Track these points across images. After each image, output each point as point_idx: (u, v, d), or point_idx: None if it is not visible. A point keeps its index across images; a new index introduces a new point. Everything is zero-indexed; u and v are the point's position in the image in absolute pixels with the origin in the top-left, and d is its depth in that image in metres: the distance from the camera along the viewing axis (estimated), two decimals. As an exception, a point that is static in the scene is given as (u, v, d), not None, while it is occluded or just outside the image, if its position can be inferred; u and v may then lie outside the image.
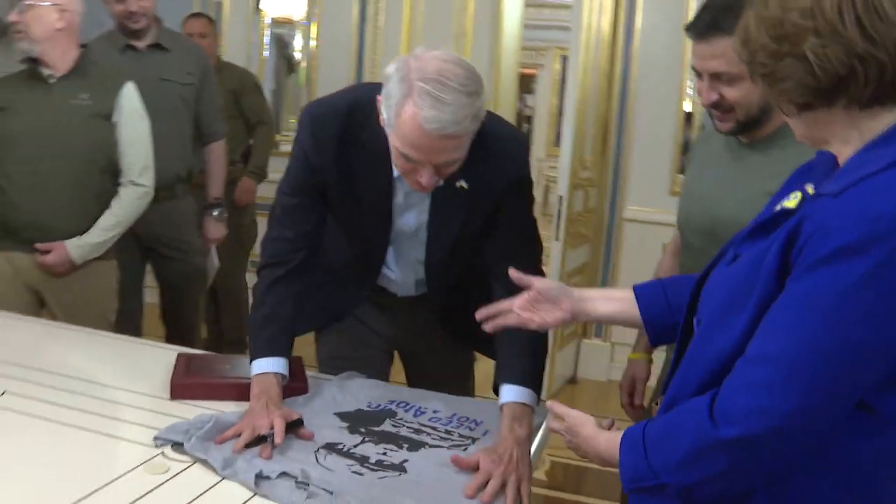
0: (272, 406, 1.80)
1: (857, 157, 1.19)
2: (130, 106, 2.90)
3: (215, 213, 3.83)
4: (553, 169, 10.32)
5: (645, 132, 4.80)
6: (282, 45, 5.60)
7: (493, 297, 1.94)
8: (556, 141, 11.31)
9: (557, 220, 4.14)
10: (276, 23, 5.55)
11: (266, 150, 4.60)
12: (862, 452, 1.19)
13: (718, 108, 1.87)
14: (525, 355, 1.90)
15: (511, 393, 1.85)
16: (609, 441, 1.38)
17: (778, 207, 1.27)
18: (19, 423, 1.78)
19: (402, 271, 2.13)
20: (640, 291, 1.65)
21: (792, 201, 1.25)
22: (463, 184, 1.92)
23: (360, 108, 1.91)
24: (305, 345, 2.21)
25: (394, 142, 1.76)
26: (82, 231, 2.84)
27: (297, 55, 5.56)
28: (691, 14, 3.85)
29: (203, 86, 3.66)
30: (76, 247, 2.82)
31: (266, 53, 5.58)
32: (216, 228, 3.86)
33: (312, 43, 5.45)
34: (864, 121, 1.19)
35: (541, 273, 2.04)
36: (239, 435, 1.72)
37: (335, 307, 2.25)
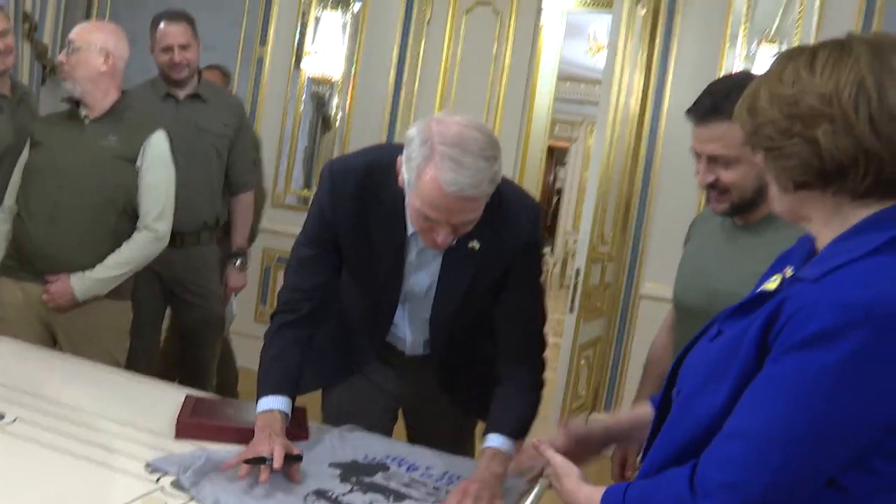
0: (274, 436, 1.87)
1: (836, 244, 1.23)
2: (156, 153, 2.96)
3: (238, 262, 3.90)
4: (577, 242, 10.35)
5: (666, 211, 4.84)
6: (319, 103, 5.73)
7: (495, 359, 2.06)
8: (584, 214, 11.37)
9: (573, 292, 4.17)
10: (315, 81, 5.69)
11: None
12: None
13: (714, 189, 1.93)
14: (514, 412, 2.01)
15: (494, 440, 1.96)
16: (589, 498, 1.42)
17: (760, 289, 1.32)
18: (24, 450, 1.83)
19: (410, 330, 2.18)
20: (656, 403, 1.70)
21: (772, 283, 1.30)
22: (475, 244, 1.99)
23: (380, 168, 1.98)
24: (312, 398, 2.24)
25: (413, 201, 1.83)
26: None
27: (333, 113, 5.68)
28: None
29: (237, 137, 3.78)
30: (79, 280, 2.87)
31: (303, 108, 5.71)
32: (238, 277, 3.93)
33: (348, 103, 5.58)
34: (850, 209, 1.23)
35: (543, 340, 2.11)
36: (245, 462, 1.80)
37: (345, 363, 2.29)
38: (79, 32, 2.94)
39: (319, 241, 2.08)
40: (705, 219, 2.19)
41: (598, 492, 1.39)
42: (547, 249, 12.18)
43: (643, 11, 4.70)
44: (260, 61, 5.71)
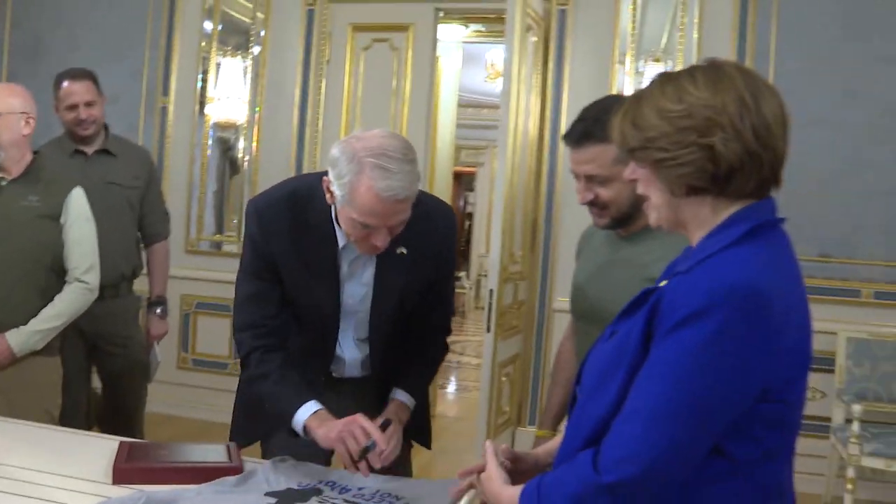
0: (350, 422, 2.02)
1: (705, 240, 1.41)
2: (78, 209, 2.99)
3: (158, 310, 3.95)
4: (492, 263, 10.48)
5: (572, 226, 4.92)
6: (225, 147, 5.77)
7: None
8: (496, 236, 11.53)
9: (489, 312, 4.28)
10: (220, 126, 5.74)
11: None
12: (721, 497, 1.37)
13: (594, 205, 2.10)
14: (421, 379, 2.36)
15: (403, 395, 2.28)
16: (511, 498, 1.52)
17: (645, 288, 1.48)
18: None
19: (351, 348, 2.30)
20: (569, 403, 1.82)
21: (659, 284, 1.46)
22: (403, 250, 2.16)
23: (302, 195, 2.16)
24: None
25: (349, 214, 1.99)
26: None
27: (240, 157, 5.73)
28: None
29: (148, 189, 3.85)
30: (15, 334, 2.87)
31: (209, 153, 5.75)
32: (160, 325, 3.98)
33: (254, 145, 5.65)
34: (723, 210, 1.41)
35: (450, 319, 2.43)
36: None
37: None
38: None
39: (260, 275, 2.20)
40: (591, 233, 2.36)
41: (519, 491, 1.51)
42: (462, 273, 12.36)
43: (534, 39, 4.91)
44: (164, 110, 5.76)
